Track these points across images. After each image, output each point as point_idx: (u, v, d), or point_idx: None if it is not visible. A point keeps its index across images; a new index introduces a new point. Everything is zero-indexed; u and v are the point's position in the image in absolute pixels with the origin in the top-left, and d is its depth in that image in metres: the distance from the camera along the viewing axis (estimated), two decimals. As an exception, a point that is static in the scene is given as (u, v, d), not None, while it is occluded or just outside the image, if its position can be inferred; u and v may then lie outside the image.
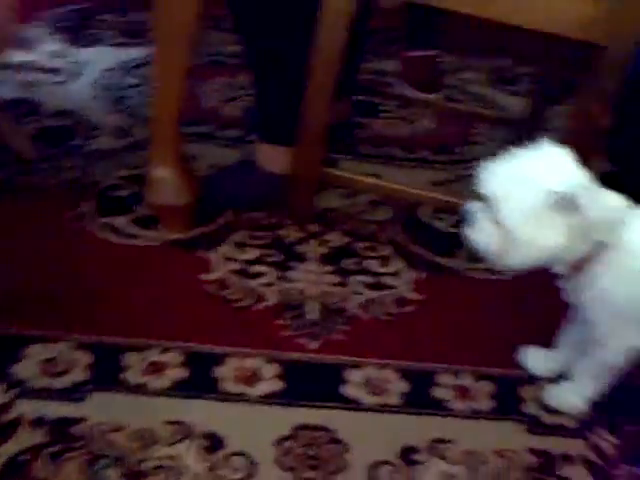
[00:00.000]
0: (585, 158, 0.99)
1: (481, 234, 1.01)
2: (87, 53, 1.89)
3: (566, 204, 0.93)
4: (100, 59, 1.86)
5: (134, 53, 1.88)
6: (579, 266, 1.03)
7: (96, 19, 2.08)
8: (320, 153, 1.36)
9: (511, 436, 1.09)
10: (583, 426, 1.12)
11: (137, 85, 1.78)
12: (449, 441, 1.06)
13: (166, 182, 1.30)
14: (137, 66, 1.85)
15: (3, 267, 1.21)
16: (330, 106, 1.30)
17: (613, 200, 1.01)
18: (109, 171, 1.48)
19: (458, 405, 1.12)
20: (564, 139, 1.18)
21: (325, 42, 1.24)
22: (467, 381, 1.16)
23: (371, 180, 1.47)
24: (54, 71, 1.79)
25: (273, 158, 1.42)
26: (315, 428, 1.05)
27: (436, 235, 1.47)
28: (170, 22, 1.18)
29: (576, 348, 1.15)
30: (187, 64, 1.23)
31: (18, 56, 1.80)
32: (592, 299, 1.04)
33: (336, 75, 1.27)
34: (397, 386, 1.13)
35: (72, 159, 1.49)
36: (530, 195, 0.94)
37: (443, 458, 1.04)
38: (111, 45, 1.94)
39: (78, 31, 1.98)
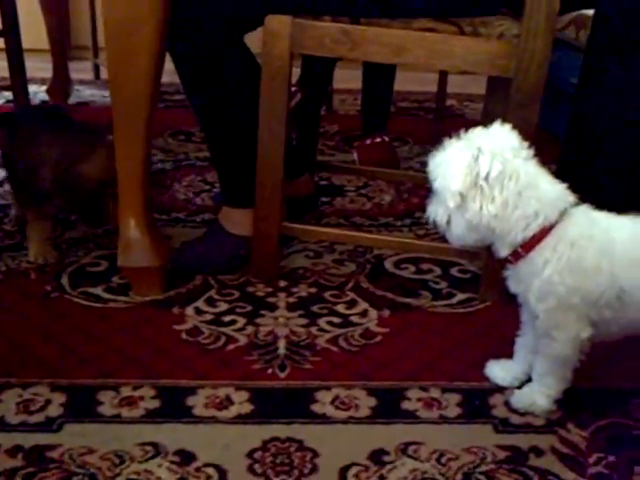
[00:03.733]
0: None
1: (432, 207, 1.11)
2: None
3: (487, 177, 1.02)
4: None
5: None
6: (521, 252, 1.09)
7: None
8: (278, 212, 1.46)
9: (480, 436, 1.11)
10: (551, 423, 1.15)
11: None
12: (418, 443, 1.08)
13: (137, 245, 1.39)
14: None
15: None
16: (282, 165, 1.42)
17: (548, 182, 1.08)
18: (87, 253, 1.58)
19: (426, 413, 1.15)
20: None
21: (266, 105, 1.38)
22: (435, 394, 1.20)
23: (332, 230, 1.56)
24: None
25: (236, 220, 1.52)
26: (285, 440, 1.07)
27: (400, 281, 1.54)
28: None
29: (532, 351, 1.19)
30: (145, 133, 1.35)
31: None
32: (535, 289, 1.10)
33: (284, 134, 1.40)
34: (365, 401, 1.17)
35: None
36: (453, 165, 1.03)
37: (413, 458, 1.06)
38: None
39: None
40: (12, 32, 2.38)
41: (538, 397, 1.16)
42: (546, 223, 1.07)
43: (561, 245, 1.07)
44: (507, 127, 1.10)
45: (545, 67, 1.30)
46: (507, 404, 1.18)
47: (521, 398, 1.18)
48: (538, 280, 1.09)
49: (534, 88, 1.30)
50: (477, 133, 1.09)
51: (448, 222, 1.09)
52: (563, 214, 1.08)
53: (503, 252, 1.11)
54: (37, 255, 1.52)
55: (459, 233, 1.09)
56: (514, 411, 1.16)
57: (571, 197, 1.09)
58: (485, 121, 1.73)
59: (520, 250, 1.09)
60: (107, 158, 1.42)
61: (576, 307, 1.09)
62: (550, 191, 1.08)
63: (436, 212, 1.11)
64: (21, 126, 1.58)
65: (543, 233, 1.07)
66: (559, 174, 1.80)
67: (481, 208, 1.04)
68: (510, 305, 1.28)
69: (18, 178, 1.55)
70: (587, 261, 1.07)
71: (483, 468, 1.04)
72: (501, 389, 1.21)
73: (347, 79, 2.55)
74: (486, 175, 1.03)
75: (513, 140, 1.08)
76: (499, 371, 1.24)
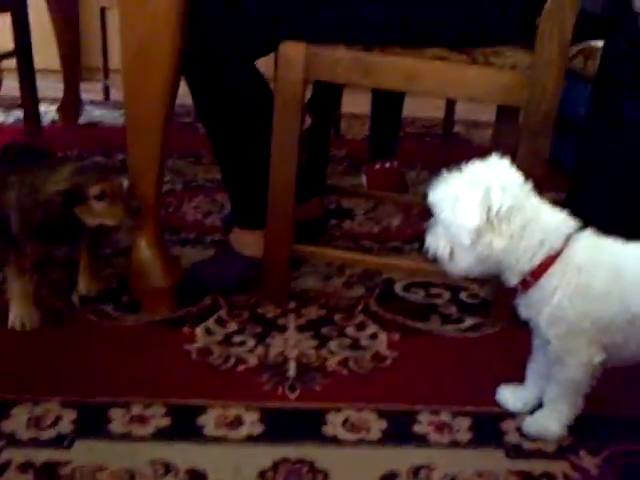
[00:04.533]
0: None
1: (432, 239, 1.11)
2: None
3: (497, 212, 1.04)
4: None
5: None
6: (530, 281, 1.10)
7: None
8: (289, 234, 1.47)
9: (491, 461, 1.11)
10: (563, 449, 1.14)
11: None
12: (430, 467, 1.08)
13: (149, 266, 1.39)
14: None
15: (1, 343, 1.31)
16: (294, 187, 1.43)
17: (550, 212, 1.10)
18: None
19: (437, 437, 1.15)
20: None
21: (279, 130, 1.39)
22: (446, 418, 1.19)
23: (342, 253, 1.57)
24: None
25: (247, 242, 1.53)
26: (296, 461, 1.07)
27: (410, 305, 1.54)
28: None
29: (544, 377, 1.19)
30: (159, 154, 1.37)
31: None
32: (546, 315, 1.10)
33: (296, 158, 1.41)
34: (376, 424, 1.16)
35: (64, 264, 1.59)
36: (466, 202, 1.04)
37: (425, 482, 1.05)
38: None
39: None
40: (24, 52, 2.42)
41: (550, 423, 1.16)
42: (552, 251, 1.08)
43: (569, 271, 1.08)
44: (506, 161, 1.12)
45: (557, 97, 1.31)
46: (519, 430, 1.17)
47: (533, 424, 1.17)
48: (548, 306, 1.09)
49: (546, 118, 1.31)
50: (479, 167, 1.10)
51: (451, 254, 1.09)
52: (568, 239, 1.09)
53: (512, 281, 1.12)
54: (15, 319, 1.35)
55: (465, 266, 1.09)
56: (526, 437, 1.16)
57: (573, 222, 1.11)
58: (495, 148, 1.76)
59: (529, 278, 1.10)
60: (68, 173, 1.30)
61: (587, 332, 1.09)
62: (553, 221, 1.09)
63: (437, 244, 1.11)
64: None
65: (550, 260, 1.08)
66: (567, 203, 1.83)
67: (490, 242, 1.05)
68: (520, 330, 1.28)
69: None
70: (596, 286, 1.07)
71: (495, 494, 1.04)
72: (512, 414, 1.21)
73: (354, 103, 2.58)
74: (497, 210, 1.04)
75: (515, 174, 1.10)
76: (510, 396, 1.23)
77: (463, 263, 1.09)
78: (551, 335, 1.11)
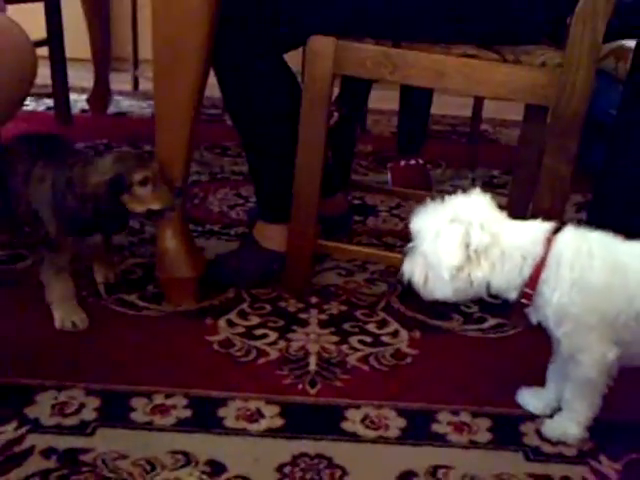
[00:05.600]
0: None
1: (408, 265, 1.13)
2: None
3: (476, 249, 1.07)
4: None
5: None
6: (528, 291, 1.10)
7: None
8: (313, 229, 1.47)
9: (510, 463, 1.11)
10: (583, 454, 1.13)
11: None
12: (448, 467, 1.08)
13: (174, 256, 1.41)
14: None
15: (28, 330, 1.33)
16: (319, 183, 1.44)
17: (524, 227, 1.12)
18: (124, 260, 1.60)
19: (456, 437, 1.15)
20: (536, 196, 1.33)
21: (307, 124, 1.40)
22: (465, 418, 1.19)
23: (366, 249, 1.57)
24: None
25: (271, 236, 1.54)
26: (315, 456, 1.07)
27: (431, 303, 1.53)
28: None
29: (564, 379, 1.19)
30: (187, 146, 1.38)
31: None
32: (551, 315, 1.11)
33: (322, 153, 1.41)
34: (395, 422, 1.17)
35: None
36: (447, 239, 1.06)
37: (442, 482, 1.05)
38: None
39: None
40: (56, 41, 2.45)
41: (569, 425, 1.16)
42: (536, 259, 1.10)
43: (561, 269, 1.09)
44: (487, 196, 1.14)
45: (587, 97, 1.30)
46: (538, 432, 1.17)
47: (552, 427, 1.17)
48: (550, 307, 1.11)
49: (575, 118, 1.31)
50: (461, 203, 1.12)
51: (425, 282, 1.12)
52: (549, 243, 1.10)
53: (512, 296, 1.14)
54: (64, 319, 1.35)
55: (441, 296, 1.13)
56: (546, 440, 1.16)
57: (547, 225, 1.12)
58: (522, 148, 1.74)
59: (527, 290, 1.11)
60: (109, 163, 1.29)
61: (596, 328, 1.10)
62: (527, 234, 1.11)
63: (413, 271, 1.13)
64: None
65: (538, 268, 1.10)
66: (593, 207, 1.81)
67: (469, 275, 1.08)
68: (541, 332, 1.27)
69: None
70: (593, 280, 1.08)
71: (513, 497, 1.04)
72: (532, 416, 1.20)
73: (381, 99, 2.57)
74: (475, 248, 1.08)
75: (494, 209, 1.13)
76: (531, 398, 1.23)
77: (439, 292, 1.12)
78: (560, 333, 1.12)
